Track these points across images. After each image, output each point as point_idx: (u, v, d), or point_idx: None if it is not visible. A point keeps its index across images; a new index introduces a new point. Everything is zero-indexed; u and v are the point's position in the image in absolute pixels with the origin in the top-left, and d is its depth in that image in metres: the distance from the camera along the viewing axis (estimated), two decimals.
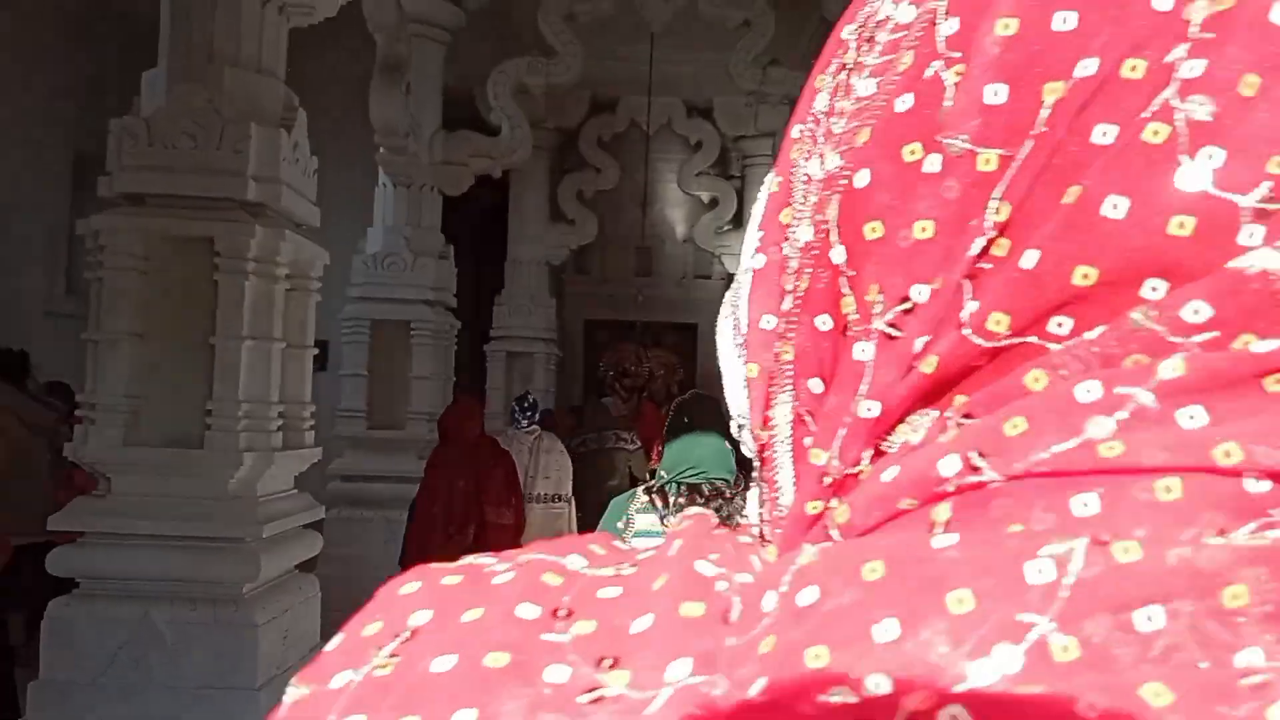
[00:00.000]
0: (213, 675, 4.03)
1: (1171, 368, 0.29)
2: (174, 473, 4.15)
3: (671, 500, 2.60)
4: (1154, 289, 0.31)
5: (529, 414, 6.60)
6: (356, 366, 7.95)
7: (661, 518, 2.62)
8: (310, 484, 9.07)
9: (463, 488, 5.83)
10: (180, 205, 4.22)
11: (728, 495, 2.57)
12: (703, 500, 2.53)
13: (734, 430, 0.46)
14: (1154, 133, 0.31)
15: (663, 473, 2.70)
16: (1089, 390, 0.30)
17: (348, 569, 7.61)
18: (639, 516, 2.69)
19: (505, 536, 5.58)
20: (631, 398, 15.46)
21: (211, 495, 4.16)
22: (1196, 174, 0.30)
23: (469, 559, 0.39)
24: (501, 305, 11.69)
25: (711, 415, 2.71)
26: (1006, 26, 0.33)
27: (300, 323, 4.74)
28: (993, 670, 0.26)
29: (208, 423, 4.14)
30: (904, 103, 0.35)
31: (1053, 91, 0.32)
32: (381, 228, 8.16)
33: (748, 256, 0.46)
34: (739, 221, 12.25)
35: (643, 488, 2.81)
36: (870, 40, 0.38)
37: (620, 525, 2.69)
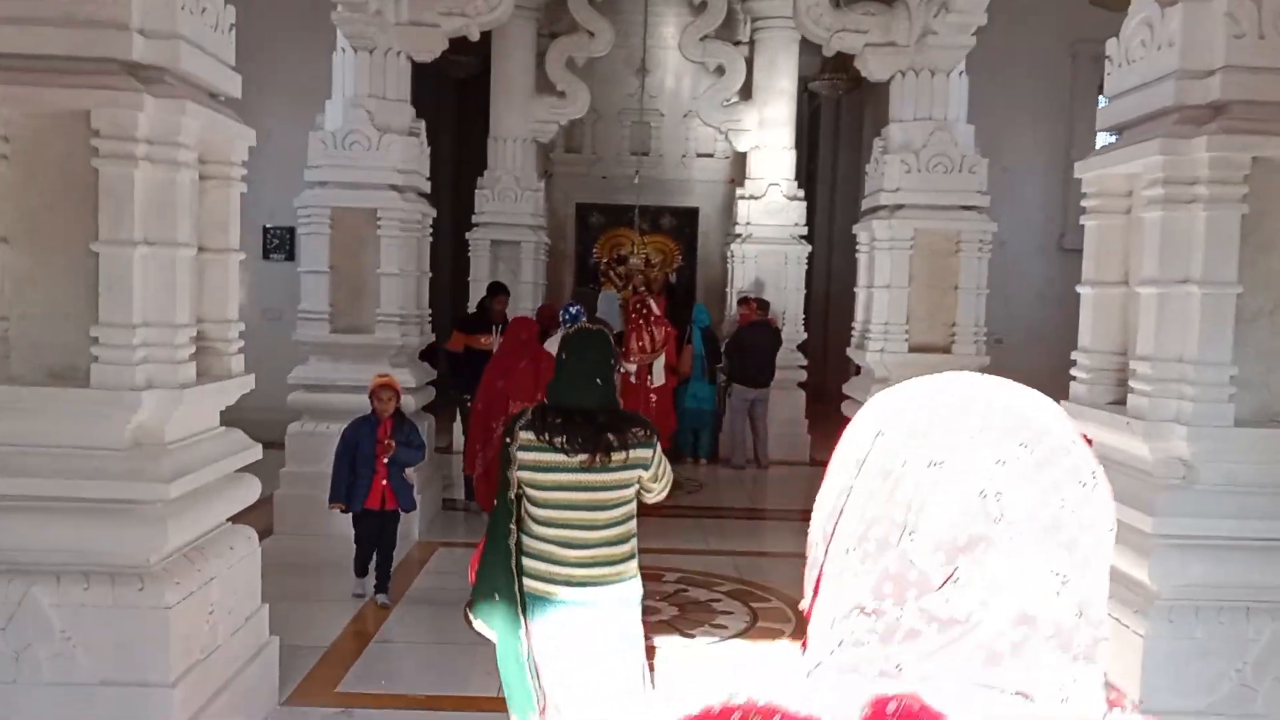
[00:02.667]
0: (114, 669, 3.22)
1: None
2: (54, 416, 3.26)
3: (549, 419, 2.98)
4: None
5: (573, 319, 6.96)
6: (316, 262, 6.97)
7: (538, 434, 2.97)
8: (270, 395, 8.24)
9: (502, 388, 6.64)
10: (45, 69, 3.20)
11: (599, 423, 2.96)
12: (573, 425, 2.95)
13: None
14: None
15: (546, 398, 3.11)
16: None
17: (311, 489, 6.78)
18: (522, 433, 3.00)
19: None
20: (626, 286, 14.52)
21: (104, 445, 3.28)
22: None
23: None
24: (484, 189, 10.58)
25: (590, 353, 3.09)
26: None
27: (220, 223, 3.77)
28: None
29: (94, 353, 3.22)
30: None
31: None
32: (341, 101, 7.06)
33: None
34: (748, 93, 11.06)
35: (532, 407, 3.10)
36: None
37: (508, 440, 3.02)
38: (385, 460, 5.43)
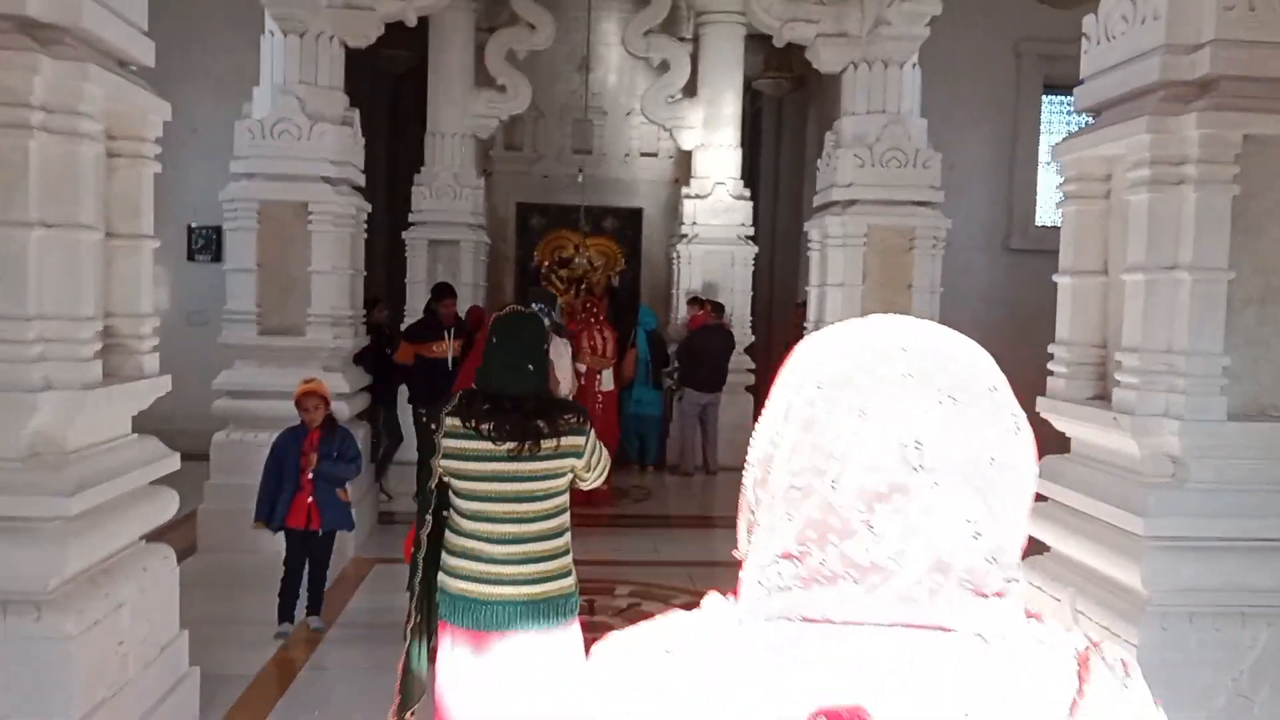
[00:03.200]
0: (9, 708, 2.83)
1: None
2: None
3: (476, 406, 2.86)
4: None
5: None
6: (243, 259, 6.56)
7: (464, 420, 2.84)
8: (196, 402, 7.78)
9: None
10: None
11: (528, 409, 2.84)
12: (502, 412, 2.83)
13: None
14: None
15: (476, 384, 2.96)
16: None
17: (237, 503, 6.36)
18: (448, 420, 2.87)
19: None
20: (570, 289, 14.20)
21: None
22: None
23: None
24: (421, 186, 10.20)
25: (521, 336, 2.97)
26: None
27: (131, 205, 3.39)
28: None
29: None
30: None
31: None
32: (269, 87, 6.66)
33: None
34: (693, 90, 10.84)
35: (460, 393, 2.95)
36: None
37: (434, 427, 2.89)
38: (309, 475, 4.94)
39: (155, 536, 3.64)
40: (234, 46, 8.96)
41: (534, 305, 7.48)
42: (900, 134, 6.84)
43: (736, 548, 0.80)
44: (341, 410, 6.58)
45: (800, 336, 6.11)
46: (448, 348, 7.34)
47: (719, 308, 9.89)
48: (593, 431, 2.97)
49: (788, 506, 0.73)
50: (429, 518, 2.90)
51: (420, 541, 2.94)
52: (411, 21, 7.04)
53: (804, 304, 9.85)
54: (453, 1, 10.00)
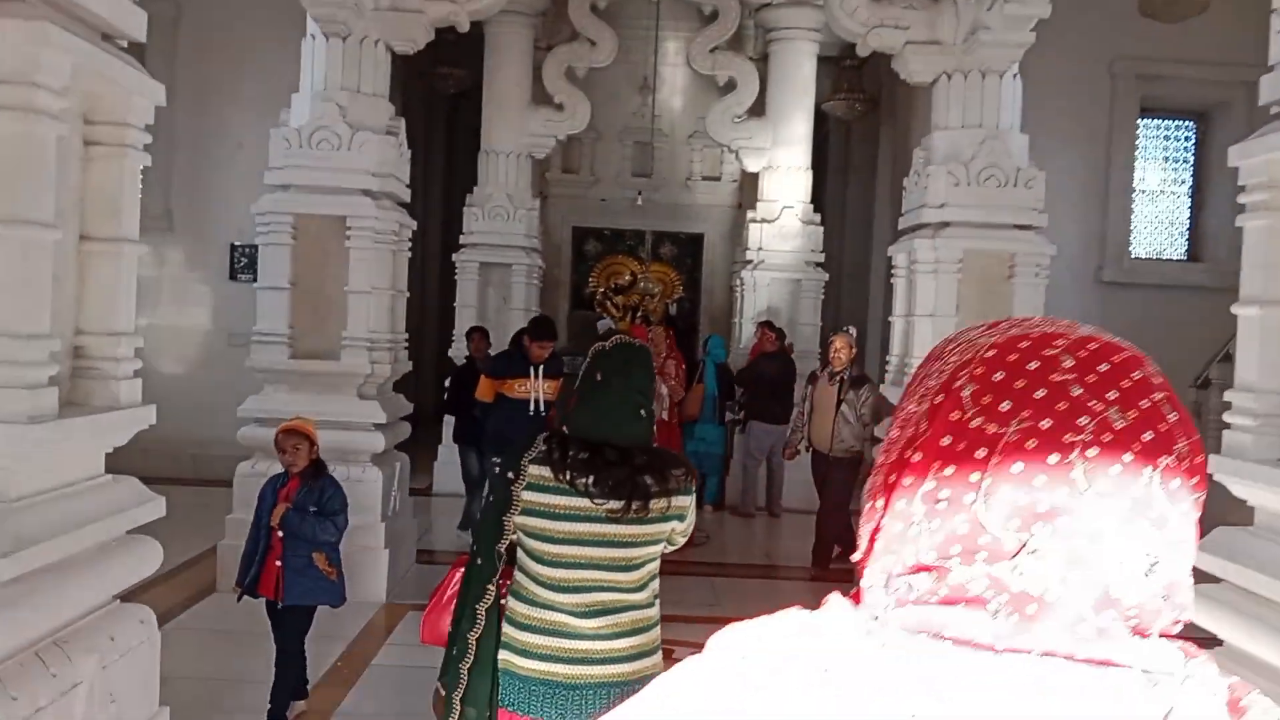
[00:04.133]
0: None
1: None
2: None
3: (572, 455, 2.31)
4: None
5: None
6: (276, 277, 6.06)
7: (556, 472, 2.30)
8: (220, 427, 7.28)
9: None
10: None
11: (636, 463, 2.31)
12: (604, 464, 2.29)
13: None
14: None
15: (566, 427, 2.40)
16: None
17: None
18: (532, 467, 2.34)
19: None
20: (625, 316, 13.63)
21: None
22: None
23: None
24: (474, 207, 9.70)
25: (635, 374, 2.41)
26: None
27: (110, 202, 2.84)
28: None
29: None
30: None
31: None
32: (309, 93, 6.17)
33: None
34: (760, 110, 10.23)
35: (543, 435, 2.41)
36: None
37: (512, 476, 2.35)
38: (278, 531, 4.00)
39: (164, 580, 3.07)
40: (282, 60, 8.55)
41: (600, 326, 6.91)
42: (999, 150, 6.14)
43: (855, 552, 0.73)
44: (376, 443, 6.04)
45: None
46: (533, 387, 6.65)
47: (780, 333, 9.23)
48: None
49: (928, 516, 0.67)
50: (491, 586, 2.40)
51: (475, 617, 2.39)
52: (464, 26, 6.53)
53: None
54: (510, 16, 9.57)
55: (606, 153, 12.17)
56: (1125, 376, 0.66)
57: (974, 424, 0.66)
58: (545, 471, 2.31)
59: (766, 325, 9.18)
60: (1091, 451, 0.63)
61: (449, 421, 9.62)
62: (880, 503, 0.71)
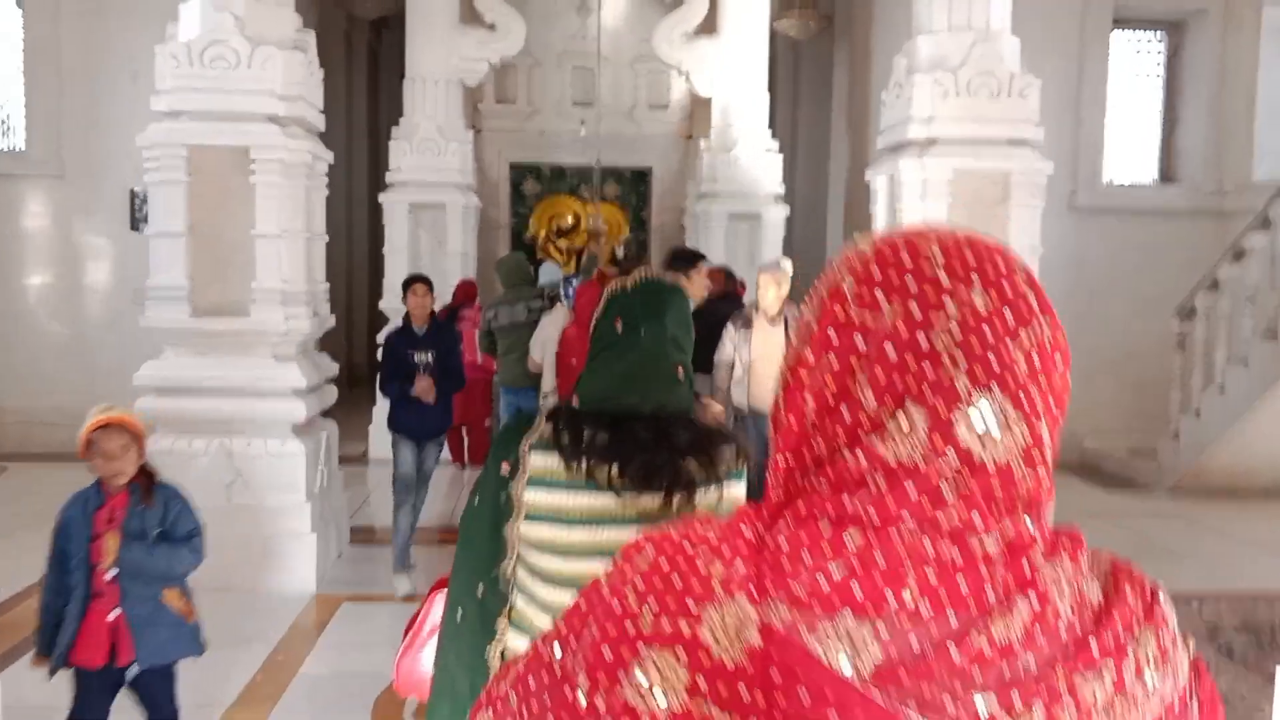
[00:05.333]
0: None
1: None
2: None
3: (588, 436, 1.58)
4: None
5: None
6: (170, 221, 5.19)
7: (568, 460, 1.57)
8: (125, 395, 6.44)
9: (575, 366, 5.18)
10: None
11: (677, 443, 1.59)
12: (634, 446, 1.57)
13: None
14: None
15: (576, 398, 1.67)
16: None
17: None
18: (535, 456, 1.60)
19: None
20: (570, 261, 12.83)
21: None
22: None
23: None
24: (400, 140, 8.80)
25: (664, 318, 1.68)
26: None
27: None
28: None
29: None
30: None
31: None
32: (200, 3, 5.25)
33: None
34: (711, 27, 9.42)
35: (548, 411, 1.66)
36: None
37: (504, 471, 1.62)
38: (107, 575, 2.85)
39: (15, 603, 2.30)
40: None
41: (572, 281, 6.14)
42: (991, 55, 5.47)
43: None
44: (296, 411, 5.26)
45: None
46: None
47: (729, 275, 8.31)
48: None
49: (819, 414, 0.71)
50: (503, 622, 1.67)
51: (483, 667, 1.67)
52: None
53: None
54: None
55: (544, 80, 11.29)
56: (989, 261, 0.69)
57: (853, 316, 0.70)
58: (552, 461, 1.62)
59: (710, 264, 8.32)
60: (953, 326, 0.67)
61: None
62: (783, 400, 0.74)
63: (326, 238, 5.79)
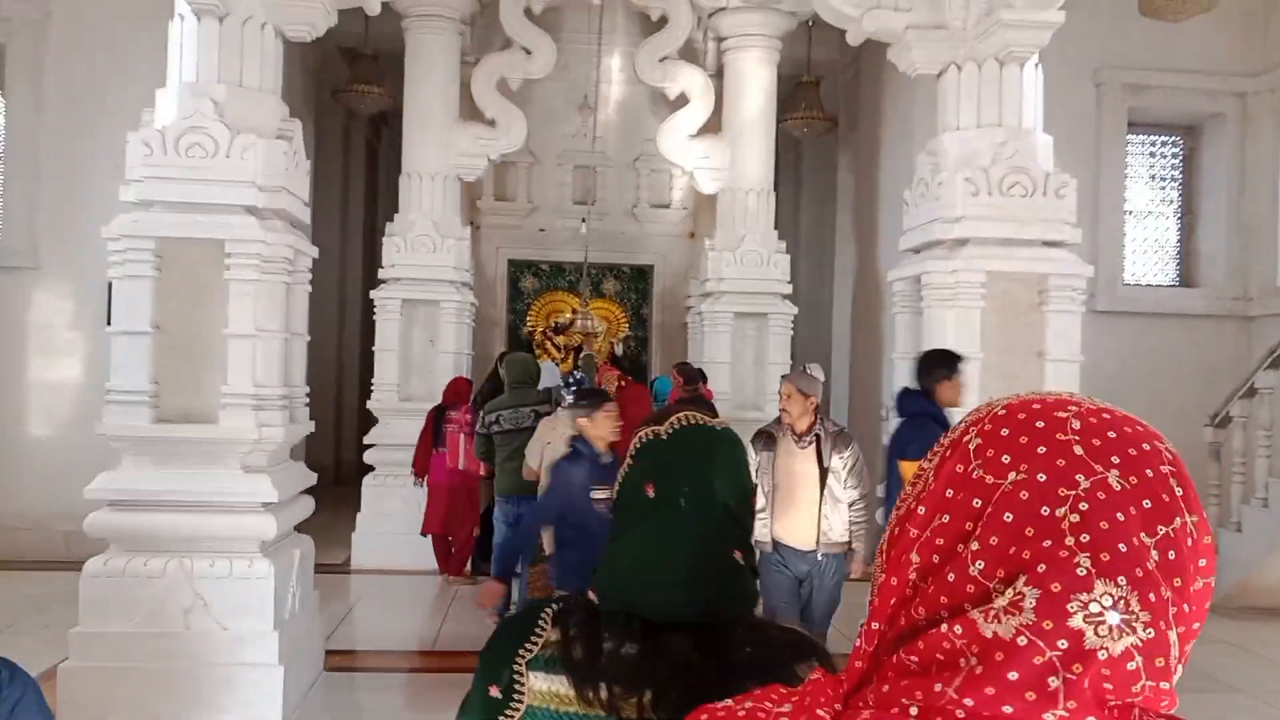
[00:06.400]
0: None
1: None
2: None
3: (609, 649, 1.15)
4: None
5: (576, 389, 5.46)
6: (134, 319, 4.75)
7: (581, 687, 1.14)
8: (65, 511, 5.91)
9: None
10: None
11: (735, 659, 1.14)
12: (672, 664, 1.13)
13: None
14: None
15: (594, 592, 1.23)
16: None
17: (113, 660, 4.54)
18: (536, 676, 1.17)
19: None
20: (567, 358, 12.44)
21: None
22: None
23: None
24: (394, 236, 8.47)
25: (713, 478, 1.24)
26: None
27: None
28: None
29: None
30: None
31: None
32: (178, 87, 4.92)
33: None
34: (715, 126, 9.19)
35: (550, 605, 1.23)
36: None
37: (495, 691, 1.17)
38: None
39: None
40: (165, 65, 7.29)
41: (574, 375, 5.67)
42: (1024, 153, 5.15)
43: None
44: (266, 528, 4.75)
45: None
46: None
47: (693, 374, 7.53)
48: None
49: (922, 572, 0.66)
50: None
51: None
52: (373, 8, 5.35)
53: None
54: (435, 20, 8.45)
55: (544, 178, 11.04)
56: (1133, 445, 0.64)
57: (974, 475, 0.66)
58: (560, 686, 1.18)
59: (677, 366, 7.83)
60: (1083, 505, 0.61)
61: (374, 484, 8.32)
62: (885, 558, 0.70)
63: (308, 338, 5.36)
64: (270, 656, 4.70)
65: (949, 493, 0.65)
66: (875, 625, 0.67)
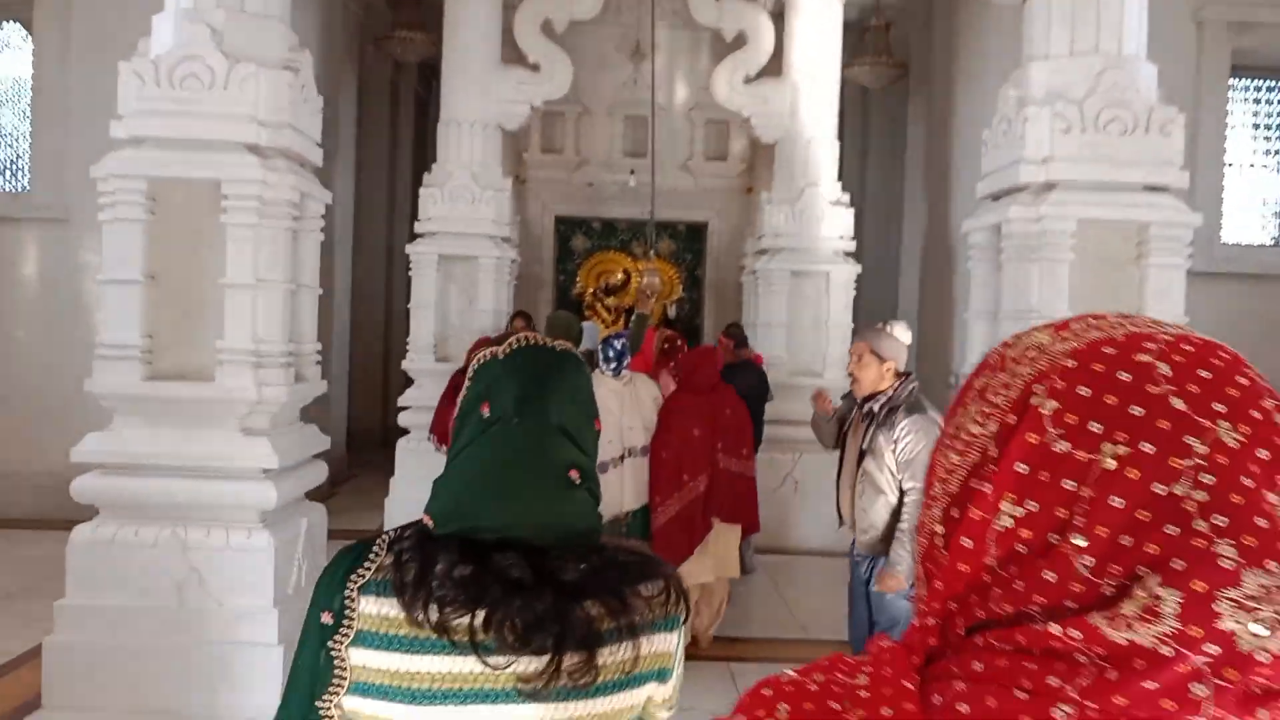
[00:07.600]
0: None
1: None
2: None
3: (441, 571, 1.15)
4: None
5: (617, 357, 5.15)
6: (124, 267, 4.35)
7: (411, 607, 1.14)
8: (52, 473, 5.64)
9: (699, 436, 5.08)
10: None
11: (568, 579, 1.16)
12: (507, 585, 1.13)
13: None
14: None
15: (429, 515, 1.23)
16: None
17: (101, 636, 4.19)
18: (366, 600, 1.17)
19: (738, 484, 5.25)
20: (618, 320, 11.94)
21: None
22: None
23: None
24: (431, 188, 8.01)
25: (548, 397, 1.23)
26: None
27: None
28: None
29: None
30: None
31: None
32: (174, 12, 4.48)
33: None
34: (777, 68, 8.54)
35: (385, 535, 1.25)
36: None
37: (327, 618, 1.17)
38: None
39: None
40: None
41: (614, 342, 5.18)
42: (1124, 84, 4.47)
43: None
44: (266, 496, 4.34)
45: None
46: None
47: (740, 338, 7.32)
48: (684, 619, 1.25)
49: (1004, 563, 0.55)
50: None
51: None
52: None
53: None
54: None
55: (593, 130, 10.49)
56: (1230, 383, 0.53)
57: (1058, 448, 0.54)
58: (390, 609, 1.15)
59: (726, 329, 7.51)
60: (1207, 478, 0.51)
61: (408, 448, 7.94)
62: (941, 547, 0.59)
63: (319, 290, 4.92)
64: (269, 636, 4.31)
65: (1022, 468, 0.54)
66: (949, 605, 0.58)
